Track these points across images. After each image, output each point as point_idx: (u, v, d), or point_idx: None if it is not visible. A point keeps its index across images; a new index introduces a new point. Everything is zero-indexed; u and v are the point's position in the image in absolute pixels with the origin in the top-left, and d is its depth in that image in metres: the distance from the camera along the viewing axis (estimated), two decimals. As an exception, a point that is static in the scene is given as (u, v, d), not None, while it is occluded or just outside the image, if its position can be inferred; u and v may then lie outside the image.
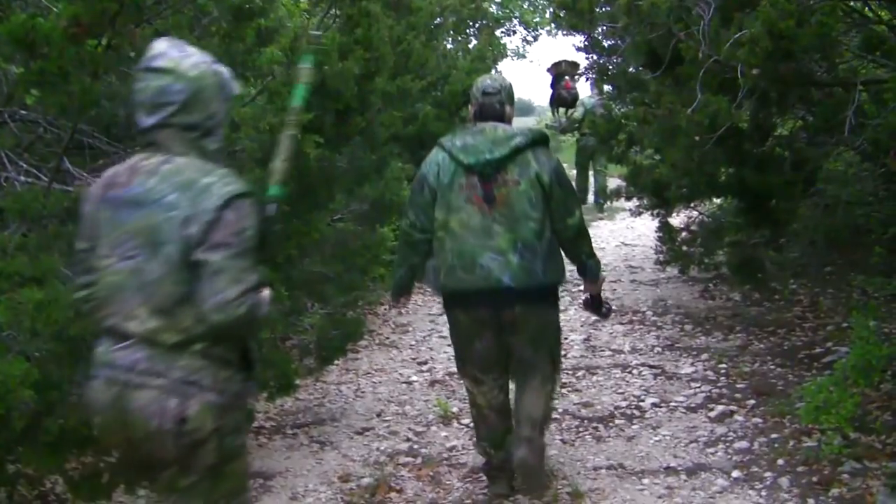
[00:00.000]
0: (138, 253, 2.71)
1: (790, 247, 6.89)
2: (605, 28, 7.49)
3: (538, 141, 4.36)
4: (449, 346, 7.32)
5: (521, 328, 4.37)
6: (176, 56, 2.79)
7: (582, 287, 8.81)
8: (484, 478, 4.85)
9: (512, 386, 4.65)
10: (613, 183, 12.66)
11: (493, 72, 12.04)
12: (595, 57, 9.13)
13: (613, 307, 5.51)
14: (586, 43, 7.85)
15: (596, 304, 4.94)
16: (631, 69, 6.40)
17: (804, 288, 8.32)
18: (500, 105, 4.44)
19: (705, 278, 8.98)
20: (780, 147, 5.23)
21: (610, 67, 8.20)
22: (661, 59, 4.83)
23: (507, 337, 4.39)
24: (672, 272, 9.24)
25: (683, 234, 8.48)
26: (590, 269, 4.60)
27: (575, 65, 17.66)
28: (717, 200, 8.58)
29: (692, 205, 8.31)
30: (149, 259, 2.70)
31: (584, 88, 15.67)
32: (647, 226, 10.82)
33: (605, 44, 8.59)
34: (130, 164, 2.83)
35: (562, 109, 17.29)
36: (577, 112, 14.89)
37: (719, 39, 4.54)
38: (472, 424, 5.17)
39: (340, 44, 4.53)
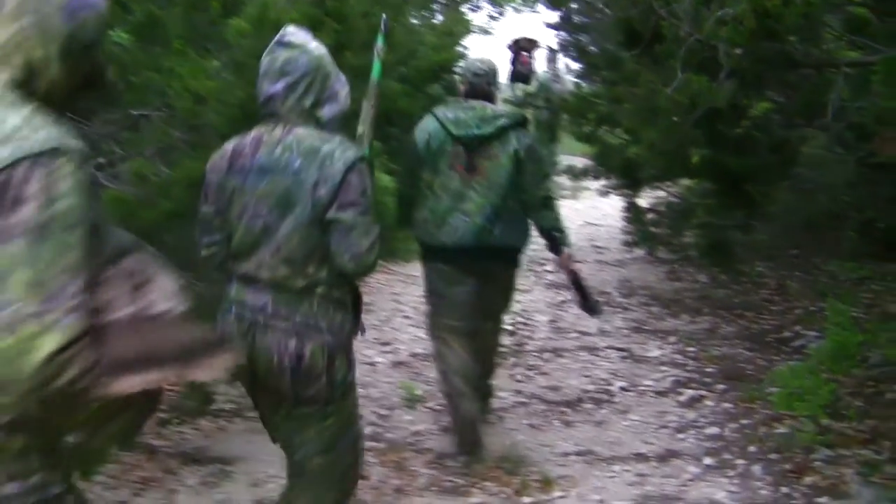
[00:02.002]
0: (268, 213, 3.06)
1: (761, 229, 6.83)
2: (583, 3, 7.38)
3: (520, 122, 4.88)
4: (412, 326, 7.27)
5: (479, 282, 4.83)
6: (304, 37, 3.20)
7: (548, 267, 8.89)
8: (451, 464, 4.74)
9: None
10: (579, 162, 12.63)
11: (458, 48, 11.96)
12: (565, 34, 9.05)
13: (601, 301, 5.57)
14: (562, 18, 7.71)
15: (582, 296, 5.09)
16: (606, 46, 6.23)
17: (771, 271, 8.28)
18: (487, 85, 4.97)
19: (671, 259, 8.91)
20: (757, 129, 5.12)
21: (583, 43, 8.07)
22: (641, 36, 4.71)
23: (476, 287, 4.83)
24: (638, 253, 9.16)
25: (651, 215, 8.39)
26: (554, 239, 4.95)
27: (533, 41, 17.88)
28: (686, 182, 8.49)
29: (661, 185, 8.22)
30: (279, 218, 3.05)
31: (541, 64, 15.71)
32: (611, 205, 10.72)
33: (576, 20, 8.50)
34: (253, 136, 3.15)
35: (520, 84, 17.55)
36: (532, 86, 14.97)
37: (699, 17, 4.42)
38: (438, 407, 5.12)
39: (311, 16, 4.35)
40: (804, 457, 4.70)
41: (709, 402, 5.56)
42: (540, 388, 5.91)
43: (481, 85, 4.93)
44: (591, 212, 12.36)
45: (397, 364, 6.45)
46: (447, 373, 4.82)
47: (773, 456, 4.77)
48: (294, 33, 3.20)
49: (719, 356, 6.37)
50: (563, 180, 14.08)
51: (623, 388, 5.85)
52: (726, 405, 5.49)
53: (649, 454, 4.90)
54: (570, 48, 9.18)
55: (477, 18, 20.29)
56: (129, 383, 1.78)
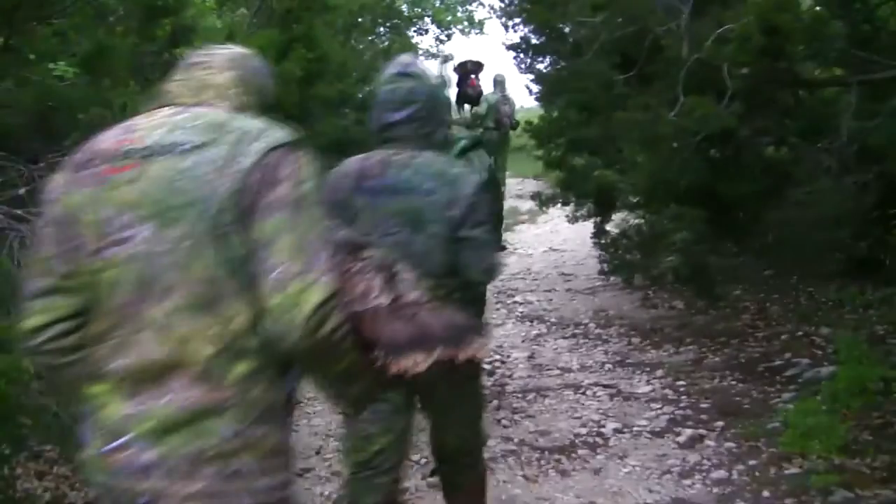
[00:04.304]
0: (399, 230, 3.22)
1: (744, 253, 6.56)
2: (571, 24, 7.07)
3: (478, 144, 5.03)
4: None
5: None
6: (421, 67, 3.49)
7: (517, 298, 8.58)
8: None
9: None
10: (531, 185, 12.34)
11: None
12: (523, 56, 8.79)
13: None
14: (522, 39, 7.40)
15: None
16: (589, 70, 5.86)
17: (748, 294, 8.01)
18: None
19: (644, 286, 8.60)
20: (750, 153, 4.83)
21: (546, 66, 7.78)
22: (635, 58, 4.39)
23: None
24: (608, 279, 8.84)
25: (623, 240, 8.09)
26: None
27: (479, 64, 18.26)
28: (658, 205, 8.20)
29: (633, 210, 7.92)
30: (411, 235, 3.22)
31: (487, 86, 15.81)
32: (572, 229, 10.41)
33: (535, 41, 8.23)
34: (378, 159, 3.34)
35: (467, 106, 17.95)
36: (481, 108, 15.05)
37: (696, 36, 4.12)
38: (422, 461, 4.82)
39: (278, 42, 3.97)
40: (822, 500, 4.38)
41: (710, 442, 5.22)
42: (529, 434, 5.51)
43: None
44: (553, 237, 12.05)
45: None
46: None
47: (788, 500, 4.44)
48: (411, 64, 3.47)
49: (711, 389, 6.05)
50: (520, 204, 13.92)
51: (617, 430, 5.48)
52: (729, 444, 5.16)
53: (657, 504, 4.55)
54: (531, 70, 8.84)
55: (424, 42, 20.14)
56: (410, 361, 2.05)
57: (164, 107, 2.13)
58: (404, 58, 3.54)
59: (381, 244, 3.04)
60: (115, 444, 1.96)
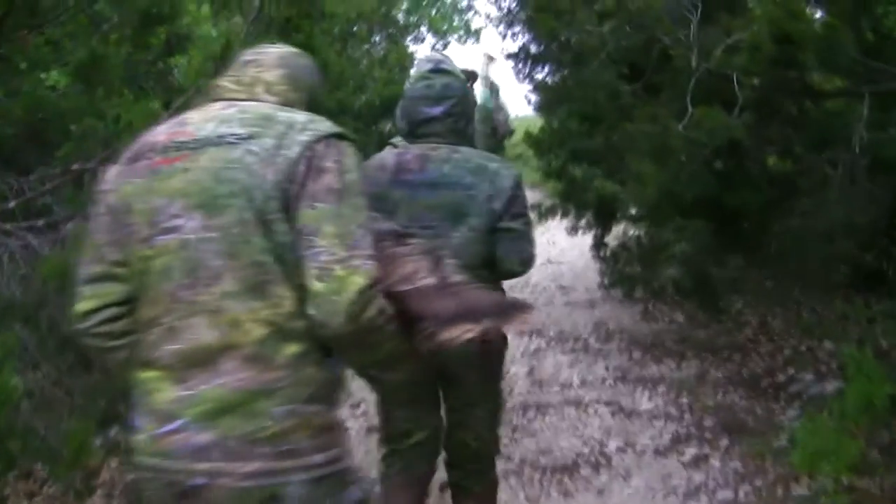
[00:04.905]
0: (437, 223, 3.28)
1: (750, 266, 6.45)
2: (537, 37, 6.97)
3: None
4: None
5: None
6: (452, 64, 3.55)
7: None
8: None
9: None
10: (533, 196, 12.18)
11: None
12: (521, 66, 8.70)
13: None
14: (520, 48, 7.31)
15: None
16: (591, 80, 5.74)
17: (748, 307, 7.90)
18: None
19: (644, 298, 8.48)
20: (757, 163, 4.73)
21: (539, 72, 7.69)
22: (640, 68, 4.30)
23: None
24: (607, 291, 8.72)
25: (624, 253, 7.98)
26: None
27: (473, 73, 18.20)
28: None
29: (637, 223, 7.81)
30: (450, 228, 3.29)
31: (479, 93, 15.62)
32: (569, 241, 10.28)
33: (534, 50, 8.15)
34: (416, 153, 3.40)
35: None
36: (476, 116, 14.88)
37: (705, 45, 4.02)
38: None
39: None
40: (832, 522, 4.28)
41: (715, 462, 5.11)
42: (530, 452, 5.39)
43: None
44: (550, 248, 11.90)
45: (371, 429, 5.86)
46: None
47: (797, 522, 4.35)
48: (443, 61, 3.54)
49: (715, 406, 5.94)
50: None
51: (619, 449, 5.37)
52: (734, 464, 5.05)
53: (662, 526, 4.44)
54: (530, 79, 8.74)
55: (420, 51, 20.03)
56: (456, 333, 2.12)
57: (215, 102, 2.24)
58: (435, 54, 3.63)
59: (420, 236, 3.11)
60: (168, 427, 2.03)
